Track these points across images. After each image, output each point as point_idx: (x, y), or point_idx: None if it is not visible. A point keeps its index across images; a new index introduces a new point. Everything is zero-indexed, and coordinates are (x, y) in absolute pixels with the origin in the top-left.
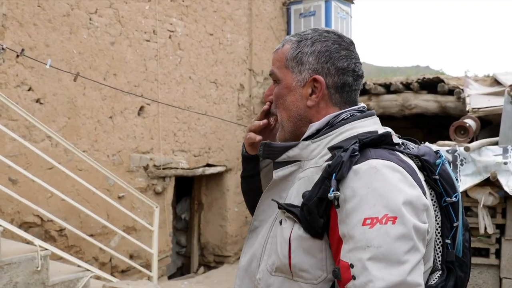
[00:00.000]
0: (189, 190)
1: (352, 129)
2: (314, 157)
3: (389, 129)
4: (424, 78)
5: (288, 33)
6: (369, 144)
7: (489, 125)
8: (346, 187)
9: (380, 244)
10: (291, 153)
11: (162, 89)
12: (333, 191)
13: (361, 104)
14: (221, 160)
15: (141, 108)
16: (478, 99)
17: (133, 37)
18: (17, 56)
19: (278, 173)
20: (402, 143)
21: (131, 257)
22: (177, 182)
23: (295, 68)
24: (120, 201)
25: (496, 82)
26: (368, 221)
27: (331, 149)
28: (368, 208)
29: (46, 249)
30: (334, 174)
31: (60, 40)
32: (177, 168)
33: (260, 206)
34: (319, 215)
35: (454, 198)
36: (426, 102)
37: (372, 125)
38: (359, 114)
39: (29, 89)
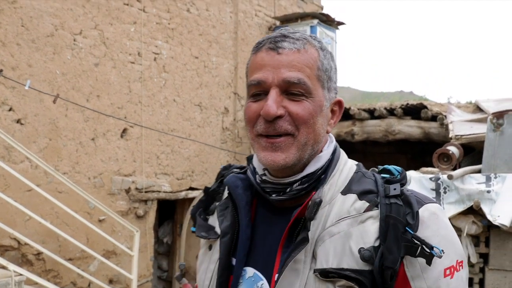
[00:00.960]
0: (171, 213)
1: (345, 164)
2: (326, 203)
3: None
4: (407, 104)
5: None
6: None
7: (472, 151)
8: None
9: None
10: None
11: (146, 111)
12: (440, 250)
13: None
14: (205, 184)
15: (124, 130)
16: (461, 126)
17: (117, 58)
18: None
19: (311, 231)
20: None
21: (110, 282)
22: (159, 206)
23: (325, 83)
24: (100, 225)
25: (478, 109)
26: (448, 271)
27: (361, 194)
28: (443, 258)
29: (21, 275)
30: (408, 228)
31: (43, 61)
32: (159, 192)
33: (281, 280)
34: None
35: None
36: (409, 127)
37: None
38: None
39: (10, 109)
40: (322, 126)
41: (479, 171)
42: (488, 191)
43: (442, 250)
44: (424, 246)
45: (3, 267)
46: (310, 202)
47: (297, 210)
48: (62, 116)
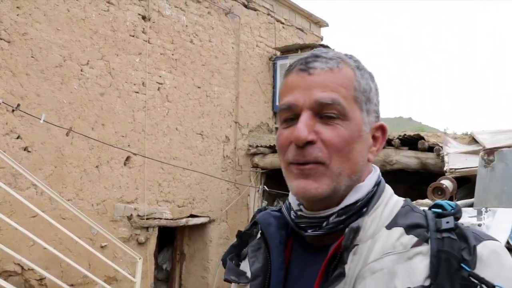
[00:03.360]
0: (171, 240)
1: (391, 198)
2: (368, 238)
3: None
4: (405, 135)
5: (274, 87)
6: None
7: (468, 182)
8: None
9: None
10: (360, 235)
11: (149, 139)
12: None
13: None
14: (205, 211)
15: (127, 158)
16: (456, 157)
17: (122, 88)
18: (13, 110)
19: (348, 266)
20: None
21: None
22: (159, 232)
23: (364, 105)
24: (102, 251)
25: (474, 140)
26: None
27: (409, 228)
28: None
29: None
30: (463, 264)
31: (51, 90)
32: (160, 219)
33: None
34: None
35: None
36: (407, 158)
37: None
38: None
39: (18, 137)
40: (361, 153)
41: (471, 205)
42: (479, 225)
43: None
44: (484, 286)
45: None
46: (347, 229)
47: (335, 243)
48: (68, 144)
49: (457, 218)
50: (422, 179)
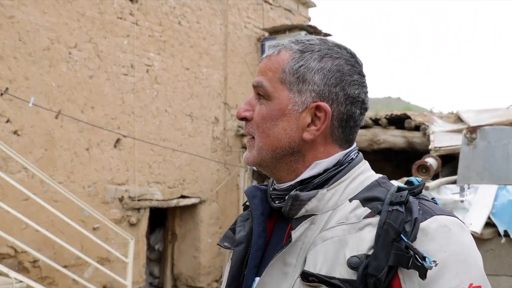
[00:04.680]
0: (163, 221)
1: (362, 173)
2: (329, 209)
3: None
4: (392, 114)
5: None
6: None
7: (453, 159)
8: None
9: None
10: (310, 205)
11: (139, 121)
12: (431, 260)
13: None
14: (195, 192)
15: (118, 140)
16: (441, 136)
17: (111, 71)
18: (1, 94)
19: (296, 233)
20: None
21: None
22: (151, 213)
23: (294, 85)
24: (94, 232)
25: (459, 119)
26: None
27: (366, 201)
28: (450, 277)
29: (21, 281)
30: (403, 236)
31: (40, 74)
32: (151, 200)
33: (262, 278)
34: None
35: None
36: (394, 137)
37: (370, 168)
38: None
39: (7, 121)
40: (285, 131)
41: (454, 182)
42: (462, 201)
43: (434, 261)
44: (417, 256)
45: (2, 274)
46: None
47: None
48: (58, 127)
49: (414, 194)
50: (409, 157)
